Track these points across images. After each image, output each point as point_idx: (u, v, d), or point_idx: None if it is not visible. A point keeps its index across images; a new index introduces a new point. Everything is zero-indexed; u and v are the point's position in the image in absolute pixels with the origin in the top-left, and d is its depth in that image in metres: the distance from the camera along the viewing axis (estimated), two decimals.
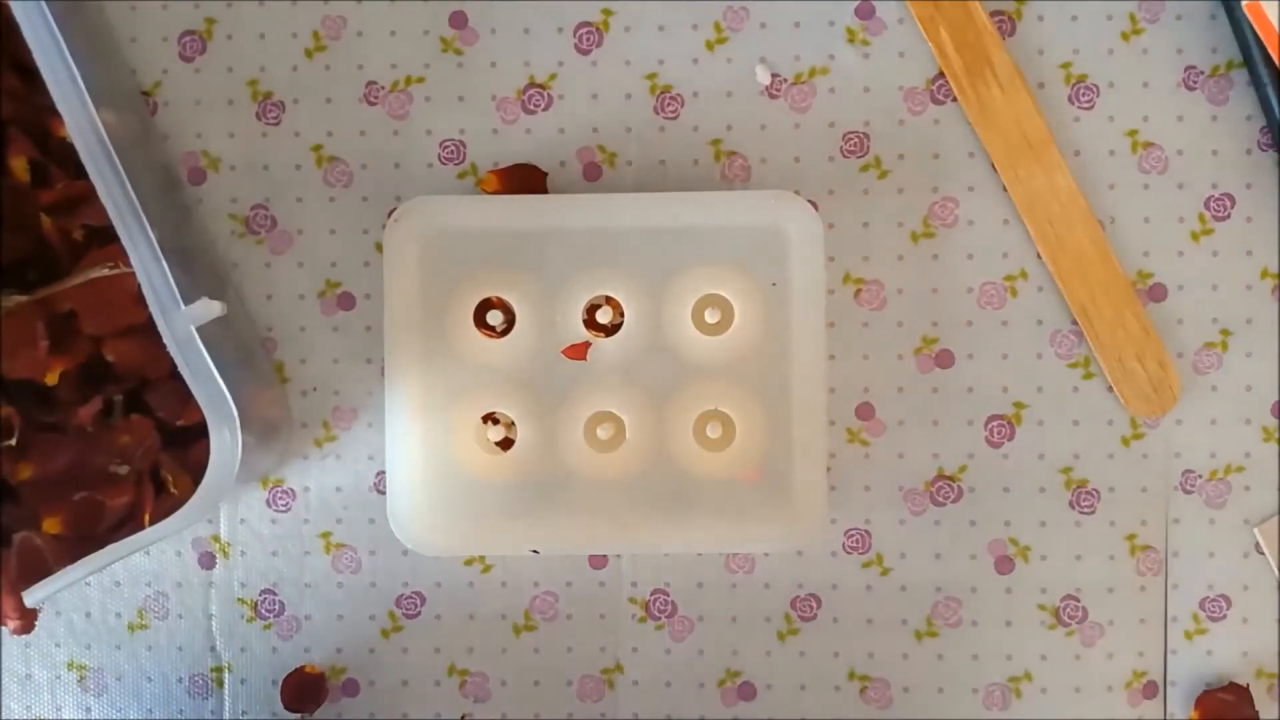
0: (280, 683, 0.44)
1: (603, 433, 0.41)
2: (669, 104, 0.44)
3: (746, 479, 0.41)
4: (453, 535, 0.41)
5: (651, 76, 0.44)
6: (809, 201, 0.42)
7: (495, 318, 0.41)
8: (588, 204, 0.41)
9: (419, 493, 0.41)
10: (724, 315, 0.41)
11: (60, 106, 0.36)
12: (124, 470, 0.40)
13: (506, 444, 0.41)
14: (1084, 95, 0.43)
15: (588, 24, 0.44)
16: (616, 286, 0.41)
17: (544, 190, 0.44)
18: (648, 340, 0.41)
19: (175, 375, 0.37)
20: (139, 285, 0.36)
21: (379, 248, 0.44)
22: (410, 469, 0.41)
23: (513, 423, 0.41)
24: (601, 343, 0.41)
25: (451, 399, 0.41)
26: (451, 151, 0.44)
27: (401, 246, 0.41)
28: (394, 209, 0.43)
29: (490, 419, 0.42)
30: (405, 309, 0.41)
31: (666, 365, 0.41)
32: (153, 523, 0.38)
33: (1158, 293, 0.44)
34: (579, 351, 0.41)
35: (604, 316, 0.41)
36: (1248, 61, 0.42)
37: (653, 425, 0.41)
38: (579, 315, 0.41)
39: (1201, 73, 0.43)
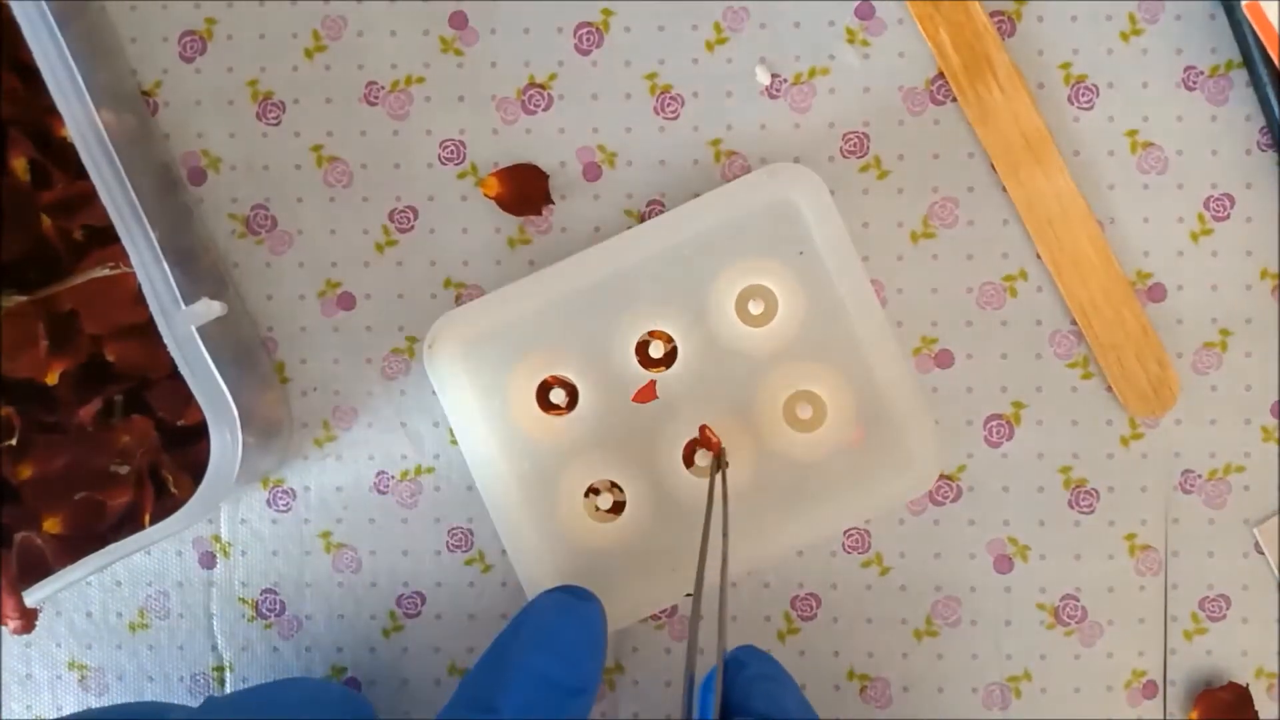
0: None
1: (702, 459, 0.41)
2: (669, 104, 0.44)
3: (854, 443, 0.41)
4: (611, 613, 0.40)
5: (651, 76, 0.44)
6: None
7: (558, 396, 0.41)
8: (598, 254, 0.41)
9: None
10: (767, 302, 0.41)
11: (60, 106, 0.36)
12: (124, 470, 0.40)
13: (618, 508, 0.41)
14: (1084, 95, 0.43)
15: (588, 24, 0.44)
16: (656, 317, 0.41)
17: (546, 190, 0.44)
18: (706, 354, 0.41)
19: (176, 375, 0.37)
20: (139, 285, 0.36)
21: (379, 248, 0.44)
22: (541, 571, 0.41)
23: (614, 485, 0.41)
24: (665, 376, 0.41)
25: (547, 488, 0.41)
26: (451, 151, 0.44)
27: (444, 368, 0.41)
28: (394, 221, 0.43)
29: (592, 490, 0.42)
30: (471, 422, 0.41)
31: (733, 370, 0.41)
32: (153, 523, 0.38)
33: (1157, 293, 0.44)
34: (648, 393, 0.41)
35: (656, 351, 0.41)
36: (1247, 61, 0.42)
37: (746, 431, 0.41)
38: (633, 359, 0.41)
39: (1201, 73, 0.43)
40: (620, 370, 0.41)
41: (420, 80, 0.44)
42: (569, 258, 0.42)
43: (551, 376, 0.41)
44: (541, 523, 0.41)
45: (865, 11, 0.43)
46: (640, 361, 0.41)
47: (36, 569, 0.38)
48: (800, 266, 0.41)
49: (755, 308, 0.41)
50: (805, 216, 0.40)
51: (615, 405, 0.41)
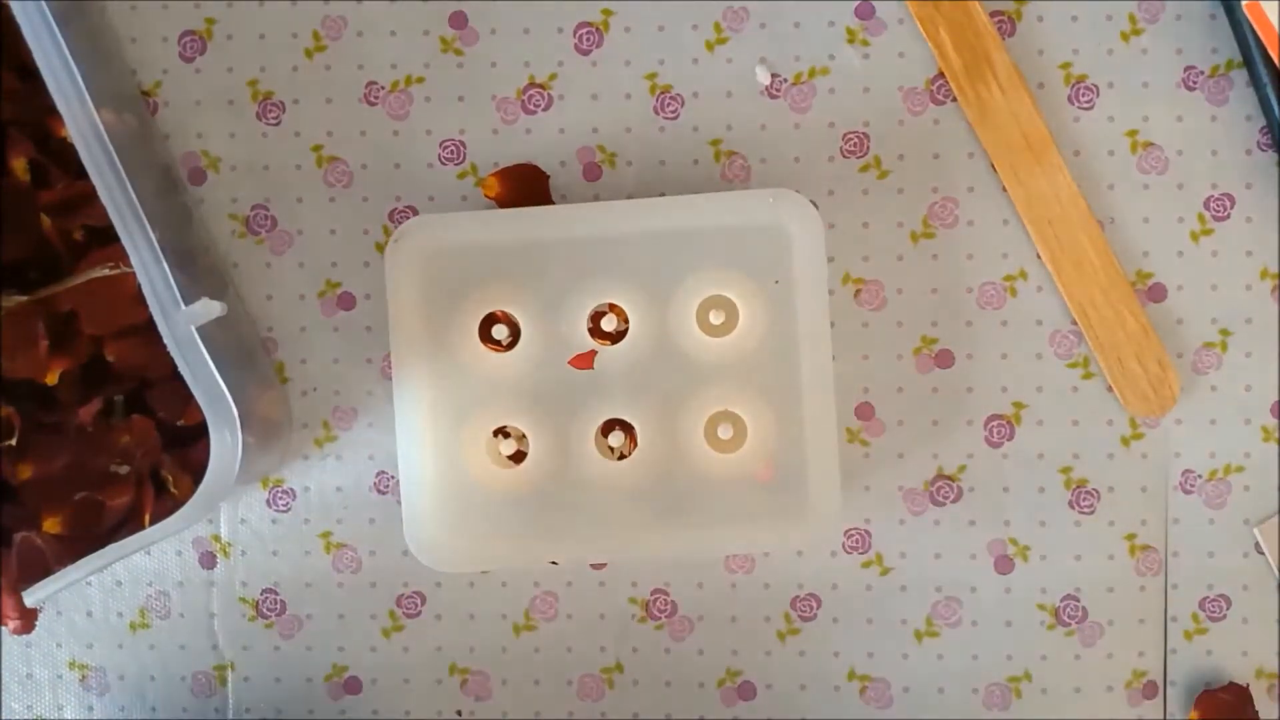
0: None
1: (614, 441, 0.41)
2: (669, 104, 0.44)
3: (761, 478, 0.41)
4: (471, 551, 0.41)
5: (651, 76, 0.44)
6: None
7: (500, 332, 0.40)
8: (587, 213, 0.41)
9: (435, 510, 0.41)
10: (728, 316, 0.41)
11: (60, 106, 0.36)
12: (124, 470, 0.40)
13: (519, 457, 0.41)
14: (1084, 95, 0.43)
15: (588, 24, 0.44)
16: (619, 293, 0.41)
17: (546, 190, 0.44)
18: (654, 345, 0.41)
19: (175, 375, 0.37)
20: (139, 285, 0.36)
21: (379, 248, 0.44)
22: (425, 487, 0.41)
23: (524, 435, 0.41)
24: (608, 350, 0.41)
25: (462, 415, 0.41)
26: (451, 151, 0.44)
27: (402, 267, 0.40)
28: (394, 221, 0.43)
29: (501, 433, 0.41)
30: (410, 328, 0.40)
31: (674, 369, 0.41)
32: (153, 523, 0.38)
33: (1157, 293, 0.44)
34: (586, 361, 0.41)
35: (609, 324, 0.41)
36: (1247, 61, 0.42)
37: (664, 430, 0.41)
38: (584, 324, 0.41)
39: (1201, 73, 0.43)
40: (568, 330, 0.41)
41: (420, 80, 0.44)
42: (557, 206, 0.41)
43: (501, 311, 0.41)
44: (442, 447, 0.41)
45: (865, 11, 0.43)
46: (590, 330, 0.41)
47: (36, 569, 0.38)
48: (773, 295, 0.40)
49: (716, 318, 0.40)
50: (794, 250, 0.40)
51: (551, 361, 0.41)
